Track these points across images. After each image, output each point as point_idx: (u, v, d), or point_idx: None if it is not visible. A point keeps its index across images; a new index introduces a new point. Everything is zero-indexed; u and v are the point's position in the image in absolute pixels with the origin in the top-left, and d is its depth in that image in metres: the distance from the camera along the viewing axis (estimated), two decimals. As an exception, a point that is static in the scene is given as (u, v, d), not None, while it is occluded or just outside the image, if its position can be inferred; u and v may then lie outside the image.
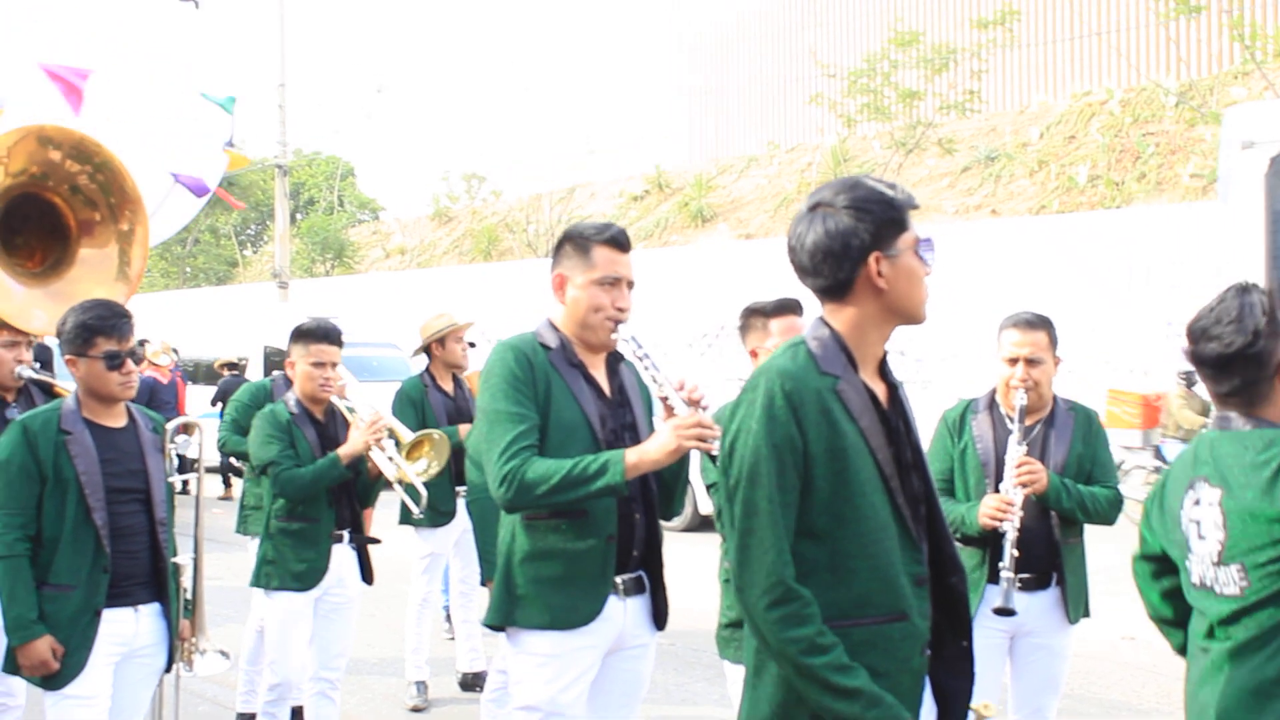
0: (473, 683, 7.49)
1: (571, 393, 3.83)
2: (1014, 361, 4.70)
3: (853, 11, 52.64)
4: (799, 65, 44.69)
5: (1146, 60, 37.33)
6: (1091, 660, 7.91)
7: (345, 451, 5.57)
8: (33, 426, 4.34)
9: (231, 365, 19.47)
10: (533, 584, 3.78)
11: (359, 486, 5.80)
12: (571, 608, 3.75)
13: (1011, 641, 4.74)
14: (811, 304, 3.09)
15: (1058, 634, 4.74)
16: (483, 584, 5.79)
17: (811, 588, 2.64)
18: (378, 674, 7.92)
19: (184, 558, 4.79)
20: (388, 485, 5.96)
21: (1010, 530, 4.43)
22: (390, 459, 5.83)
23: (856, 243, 2.75)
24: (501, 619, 3.83)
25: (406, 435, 6.29)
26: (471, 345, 8.51)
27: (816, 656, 2.58)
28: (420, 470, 6.19)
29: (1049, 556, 4.68)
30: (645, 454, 3.62)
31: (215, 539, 11.85)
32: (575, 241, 3.93)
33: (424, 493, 6.12)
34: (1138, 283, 17.92)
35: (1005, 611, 4.38)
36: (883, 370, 2.90)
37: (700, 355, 22.52)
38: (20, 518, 4.26)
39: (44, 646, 4.23)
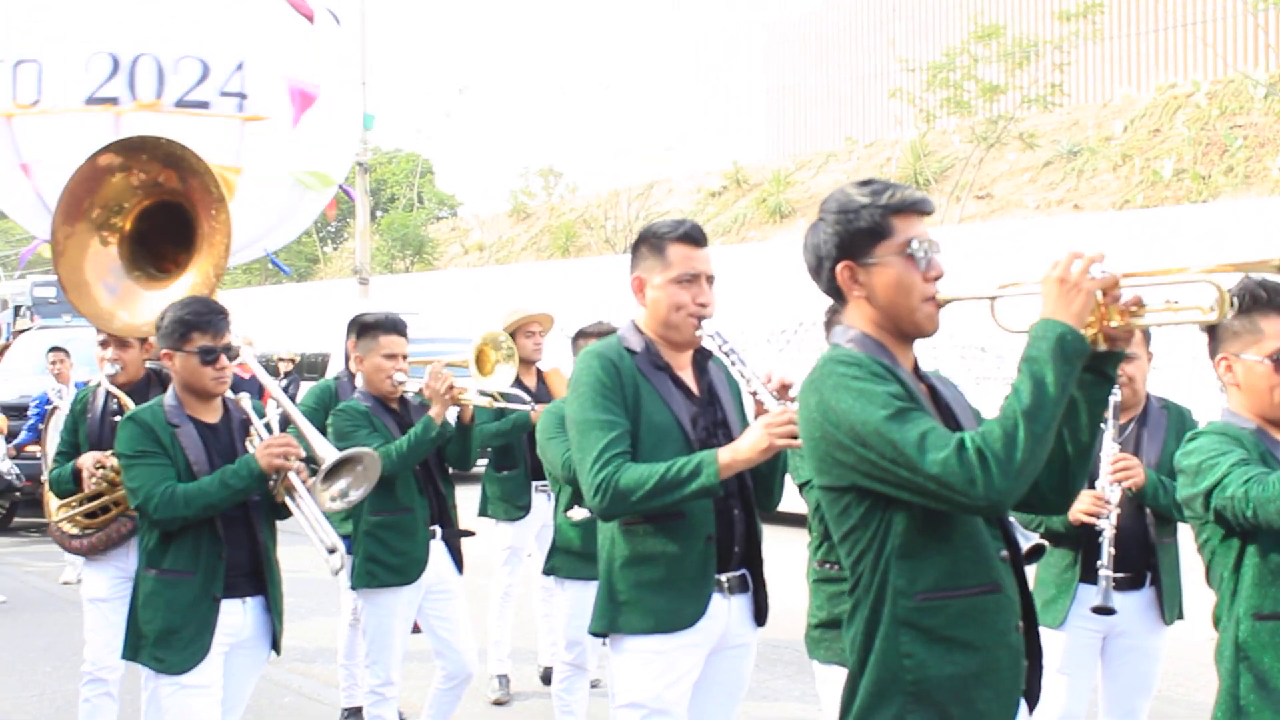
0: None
1: (660, 396, 3.80)
2: None
3: (933, 5, 52.27)
4: (878, 60, 44.44)
5: (1234, 51, 36.69)
6: (1180, 662, 7.77)
7: (435, 412, 5.48)
8: (144, 418, 4.44)
9: (291, 364, 18.87)
10: (634, 589, 3.74)
11: (453, 452, 5.78)
12: (675, 611, 3.71)
13: (1104, 642, 4.67)
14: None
15: (1151, 635, 4.66)
16: None
17: (915, 560, 2.64)
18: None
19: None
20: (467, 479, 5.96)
21: (1108, 528, 4.36)
22: (478, 391, 5.84)
23: (824, 253, 2.84)
24: (606, 625, 3.80)
25: (465, 356, 6.22)
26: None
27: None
28: (504, 379, 6.18)
29: (1144, 556, 4.61)
30: (738, 452, 3.57)
31: (298, 531, 11.88)
32: (650, 242, 3.89)
33: (523, 397, 6.38)
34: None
35: (1105, 610, 4.30)
36: (918, 374, 2.90)
37: (779, 351, 22.41)
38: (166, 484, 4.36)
39: (267, 450, 4.35)
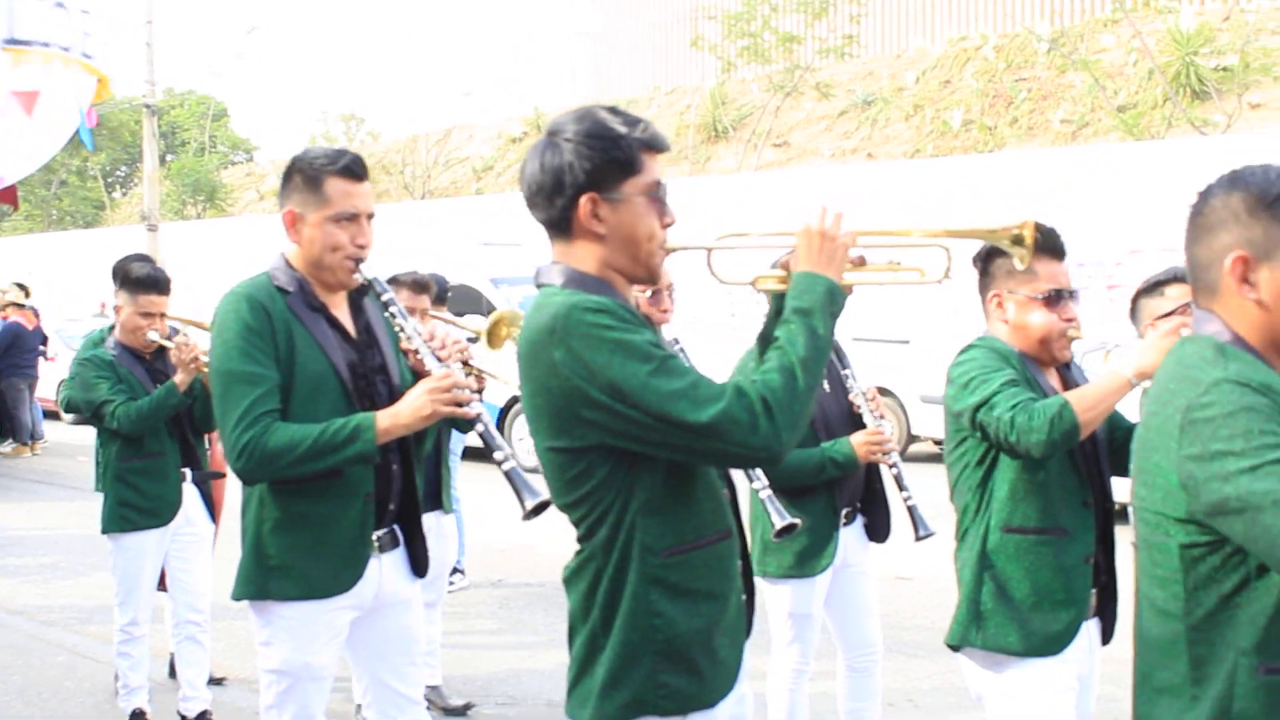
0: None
1: (316, 340, 3.52)
2: None
3: (733, -46, 52.49)
4: (681, 7, 44.55)
5: (1020, 7, 37.81)
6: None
7: (179, 379, 5.43)
8: None
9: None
10: (287, 553, 3.50)
11: (197, 412, 5.68)
12: (331, 576, 3.51)
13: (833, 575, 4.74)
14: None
15: (866, 555, 4.86)
16: None
17: (661, 516, 2.56)
18: (239, 618, 7.72)
19: None
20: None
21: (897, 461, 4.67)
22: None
23: (569, 179, 2.54)
24: (254, 591, 3.54)
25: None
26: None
27: None
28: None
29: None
30: (398, 417, 3.41)
31: (79, 486, 11.52)
32: (305, 173, 3.54)
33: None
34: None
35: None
36: None
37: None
38: None
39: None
